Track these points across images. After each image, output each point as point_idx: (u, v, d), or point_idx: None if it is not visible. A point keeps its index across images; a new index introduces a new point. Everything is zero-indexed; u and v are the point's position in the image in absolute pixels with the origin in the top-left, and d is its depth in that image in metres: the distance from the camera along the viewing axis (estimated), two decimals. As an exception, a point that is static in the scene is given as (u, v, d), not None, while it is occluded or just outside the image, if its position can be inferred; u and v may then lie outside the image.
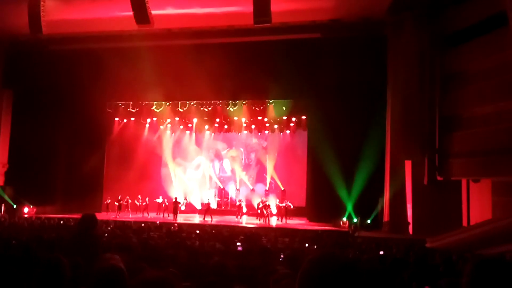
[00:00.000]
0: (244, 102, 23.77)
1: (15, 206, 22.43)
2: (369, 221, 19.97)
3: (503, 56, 14.85)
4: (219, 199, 26.63)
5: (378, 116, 19.76)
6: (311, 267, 1.55)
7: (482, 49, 16.03)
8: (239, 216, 22.95)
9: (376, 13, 18.72)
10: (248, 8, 16.78)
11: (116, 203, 23.05)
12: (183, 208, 23.62)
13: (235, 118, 25.36)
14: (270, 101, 23.66)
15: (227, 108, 24.07)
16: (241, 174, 26.79)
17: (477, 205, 16.97)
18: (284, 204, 22.43)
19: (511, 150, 14.39)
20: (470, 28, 16.49)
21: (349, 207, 20.51)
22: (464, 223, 17.03)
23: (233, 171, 27.12)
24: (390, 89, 19.60)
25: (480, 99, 15.97)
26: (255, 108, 23.91)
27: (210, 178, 27.32)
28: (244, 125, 25.88)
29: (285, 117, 24.90)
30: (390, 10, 18.18)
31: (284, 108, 23.80)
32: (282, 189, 25.35)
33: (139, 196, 23.96)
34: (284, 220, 22.03)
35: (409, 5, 18.00)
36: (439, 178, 17.68)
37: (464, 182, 17.66)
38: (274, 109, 24.10)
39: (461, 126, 17.07)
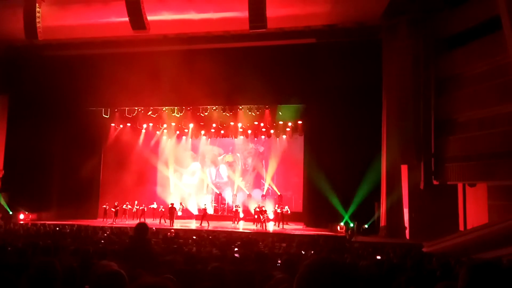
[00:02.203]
0: (240, 107, 23.79)
1: (10, 213, 22.30)
2: (366, 226, 19.98)
3: (497, 60, 14.93)
4: (215, 205, 26.60)
5: (374, 120, 19.81)
6: (308, 272, 1.55)
7: (477, 53, 16.11)
8: (236, 222, 22.92)
9: (370, 18, 18.79)
10: (244, 13, 16.84)
11: (113, 209, 22.99)
12: (179, 213, 23.57)
13: (232, 123, 25.36)
14: (266, 106, 23.69)
15: (224, 113, 24.06)
16: (237, 180, 26.77)
17: (473, 209, 17.00)
18: (281, 209, 22.42)
19: (507, 154, 14.45)
20: (465, 32, 16.58)
21: (346, 212, 20.52)
22: (461, 227, 17.05)
23: (229, 176, 27.11)
24: (385, 93, 19.65)
25: (475, 103, 16.03)
26: (251, 113, 23.93)
27: (207, 183, 27.29)
28: (241, 130, 25.88)
29: (281, 122, 24.93)
30: (385, 15, 18.26)
31: (280, 113, 23.84)
32: (279, 194, 25.35)
33: (136, 202, 23.91)
34: (281, 225, 22.02)
35: (403, 10, 18.08)
36: (435, 182, 17.70)
37: (460, 186, 17.70)
38: (270, 114, 24.12)
39: (456, 130, 17.12)
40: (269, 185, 26.10)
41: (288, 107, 23.30)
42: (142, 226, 5.51)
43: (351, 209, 20.44)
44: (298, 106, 22.85)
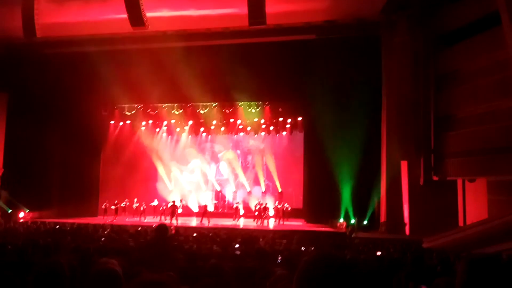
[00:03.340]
0: (240, 103, 23.78)
1: (9, 211, 22.31)
2: (365, 222, 20.01)
3: (497, 55, 14.91)
4: (216, 202, 26.60)
5: (373, 116, 19.81)
6: (308, 268, 1.54)
7: (476, 49, 16.09)
8: (236, 219, 22.91)
9: (370, 14, 18.77)
10: (243, 10, 16.82)
11: (113, 207, 22.98)
12: (180, 211, 23.56)
13: (231, 120, 25.36)
14: (266, 103, 23.67)
15: (223, 110, 24.08)
16: (238, 176, 26.77)
17: (473, 204, 17.02)
18: (281, 206, 22.43)
19: (506, 149, 14.46)
20: (464, 28, 16.55)
21: (346, 208, 20.53)
22: (461, 223, 17.08)
23: (229, 173, 27.09)
24: (385, 89, 19.65)
25: (474, 99, 16.03)
26: (251, 109, 23.93)
27: (207, 180, 27.27)
28: (241, 127, 25.88)
29: (281, 119, 24.92)
30: (384, 11, 18.23)
31: (280, 110, 23.82)
32: (280, 190, 25.35)
33: (135, 200, 23.90)
34: (281, 222, 22.03)
35: (403, 5, 18.07)
36: (435, 178, 17.72)
37: (459, 182, 17.72)
38: (270, 110, 24.11)
39: (455, 125, 17.13)
40: (269, 181, 26.09)
41: (287, 103, 23.27)
42: (162, 227, 5.81)
43: (351, 205, 20.46)
44: (298, 102, 22.79)
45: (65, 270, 3.05)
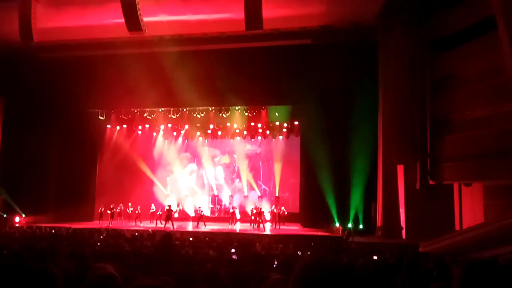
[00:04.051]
0: (236, 108, 23.80)
1: (5, 216, 22.18)
2: (361, 226, 20.01)
3: (493, 60, 14.98)
4: (212, 206, 26.56)
5: (370, 120, 19.84)
6: (303, 272, 1.54)
7: (472, 53, 16.16)
8: (232, 223, 22.89)
9: (366, 18, 18.81)
10: (240, 14, 16.84)
11: (109, 212, 22.90)
12: (176, 215, 23.52)
13: (228, 124, 25.36)
14: (263, 107, 23.69)
15: (220, 114, 24.08)
16: (234, 181, 26.75)
17: (469, 208, 17.05)
18: (278, 210, 22.41)
19: (502, 154, 14.50)
20: (460, 32, 16.62)
21: (342, 213, 20.52)
22: (457, 227, 17.10)
23: (226, 177, 27.08)
24: (381, 94, 19.69)
25: (471, 103, 16.09)
26: (248, 114, 23.94)
27: (203, 185, 27.25)
28: (237, 131, 25.89)
29: (277, 123, 24.94)
30: (381, 15, 18.28)
31: (276, 114, 23.84)
32: (276, 195, 25.34)
33: (130, 204, 23.82)
34: (278, 226, 22.01)
35: (399, 10, 18.12)
36: (431, 182, 17.74)
37: (456, 186, 17.75)
38: (267, 115, 24.14)
39: (452, 130, 17.17)
40: (266, 186, 26.09)
41: (283, 107, 23.33)
42: (167, 235, 6.15)
43: (348, 210, 20.45)
44: (294, 107, 22.87)
45: (56, 273, 3.04)
